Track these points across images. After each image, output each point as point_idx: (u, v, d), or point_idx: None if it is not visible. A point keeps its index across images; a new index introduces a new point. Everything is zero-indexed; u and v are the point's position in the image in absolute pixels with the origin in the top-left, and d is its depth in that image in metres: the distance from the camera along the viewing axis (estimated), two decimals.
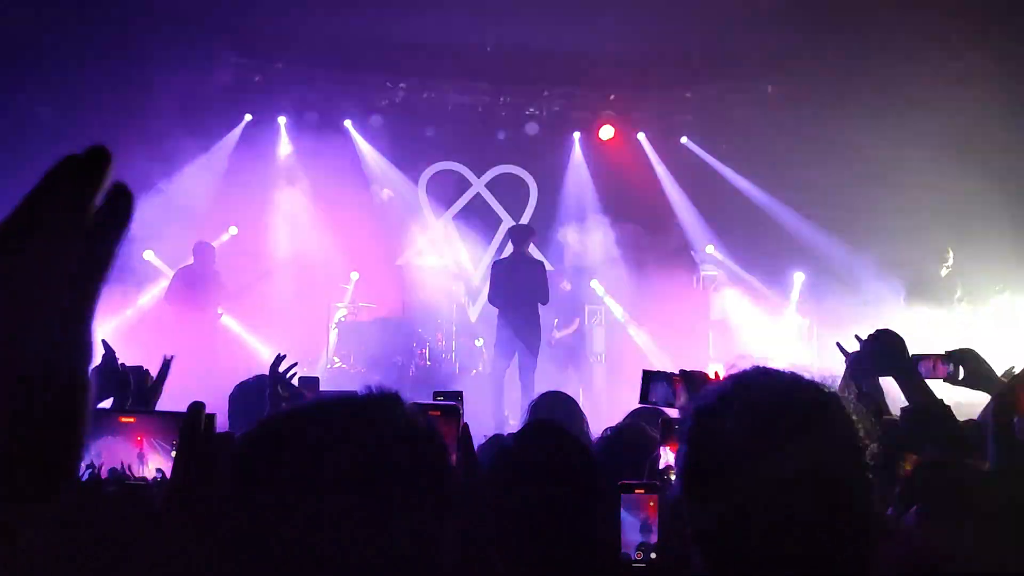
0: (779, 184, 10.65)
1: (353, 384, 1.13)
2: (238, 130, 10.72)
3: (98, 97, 9.29)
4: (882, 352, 2.63)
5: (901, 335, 2.65)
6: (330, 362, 9.93)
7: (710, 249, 11.23)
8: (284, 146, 10.95)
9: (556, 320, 9.65)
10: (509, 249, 8.61)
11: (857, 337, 2.95)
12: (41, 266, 0.63)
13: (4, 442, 0.61)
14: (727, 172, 11.21)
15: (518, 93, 11.27)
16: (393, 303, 10.18)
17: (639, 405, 3.17)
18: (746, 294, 10.82)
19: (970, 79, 8.71)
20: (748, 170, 11.00)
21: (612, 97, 11.30)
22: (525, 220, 11.50)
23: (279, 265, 10.12)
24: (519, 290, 8.10)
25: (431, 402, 2.21)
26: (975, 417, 3.56)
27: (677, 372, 2.62)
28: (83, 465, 1.71)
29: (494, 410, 8.00)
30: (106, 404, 2.36)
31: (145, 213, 9.43)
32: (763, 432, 1.15)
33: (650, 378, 2.68)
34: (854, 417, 1.21)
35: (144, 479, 1.72)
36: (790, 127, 10.05)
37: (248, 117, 10.79)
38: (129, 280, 9.66)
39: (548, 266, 10.91)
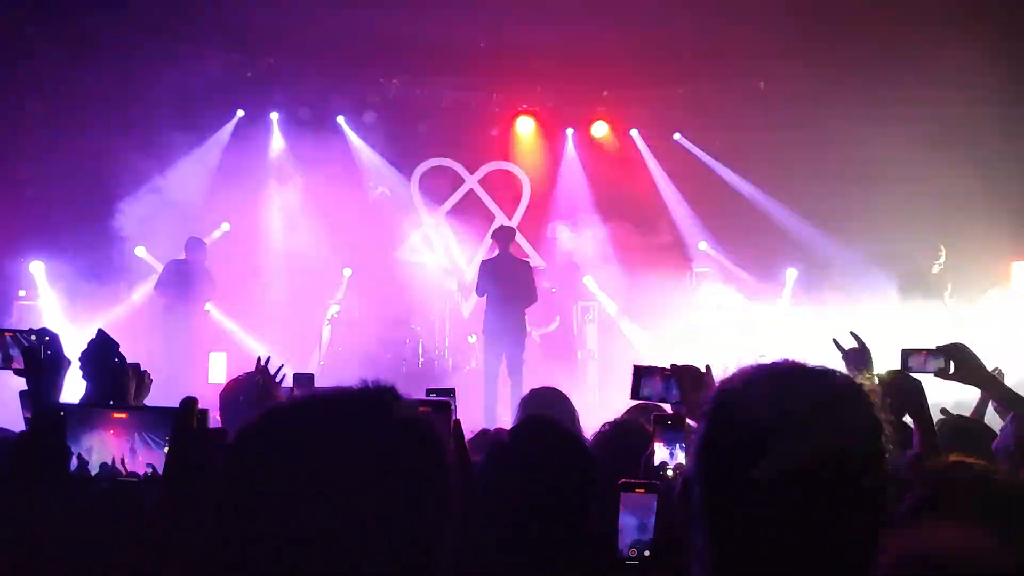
0: (771, 180, 10.67)
1: (347, 381, 1.12)
2: (230, 126, 10.69)
3: (90, 93, 9.26)
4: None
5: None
6: (323, 358, 9.93)
7: (703, 245, 11.24)
8: (276, 142, 10.92)
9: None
10: (496, 250, 8.74)
11: (852, 334, 2.98)
12: None
13: None
14: (720, 168, 11.22)
15: (511, 89, 11.27)
16: (386, 299, 10.17)
17: (632, 401, 3.18)
18: (739, 290, 10.83)
19: (961, 75, 8.73)
20: (741, 166, 11.02)
21: (605, 94, 11.31)
22: (518, 216, 11.50)
23: (272, 261, 10.12)
24: (507, 289, 8.26)
25: (423, 398, 2.21)
26: (968, 414, 3.60)
27: (668, 367, 2.62)
28: (73, 459, 1.71)
29: (486, 406, 8.04)
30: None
31: (137, 209, 9.43)
32: (785, 414, 1.15)
33: (641, 373, 2.68)
34: (880, 414, 1.20)
35: (135, 474, 1.72)
36: (782, 123, 10.07)
37: (240, 113, 10.76)
38: (121, 276, 9.64)
39: (541, 263, 10.96)
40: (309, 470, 1.00)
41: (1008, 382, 3.23)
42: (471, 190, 11.69)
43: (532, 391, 3.79)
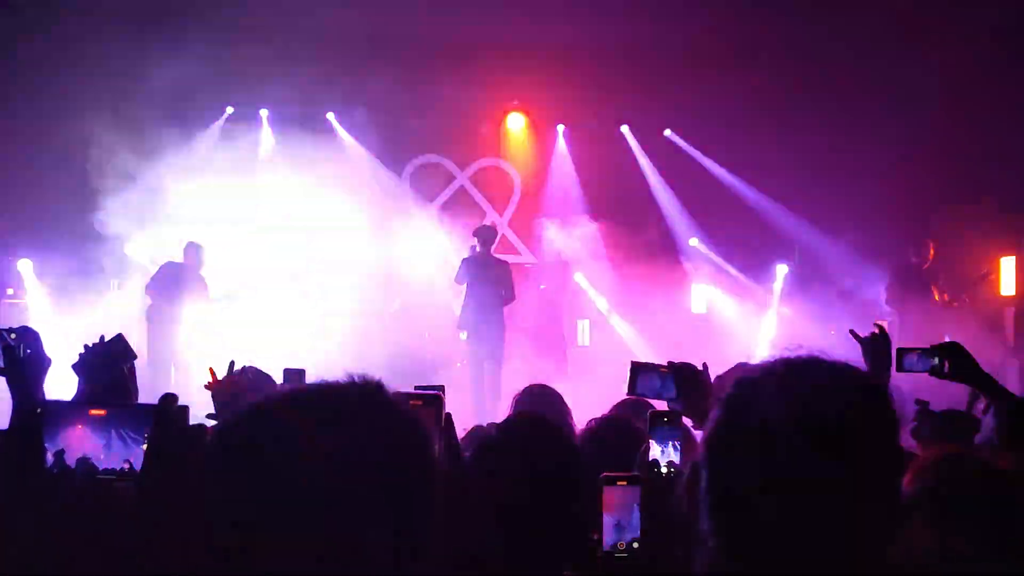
0: (762, 176, 10.69)
1: (336, 377, 1.11)
2: (219, 122, 10.65)
3: (78, 91, 9.21)
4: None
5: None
6: (313, 354, 9.89)
7: (694, 242, 11.26)
8: (266, 138, 10.88)
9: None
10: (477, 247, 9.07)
11: (876, 324, 3.04)
12: None
13: None
14: (710, 165, 11.23)
15: (502, 86, 11.24)
16: (376, 296, 10.14)
17: (621, 398, 3.17)
18: (729, 287, 10.86)
19: (948, 72, 8.79)
20: (731, 162, 11.04)
21: (595, 90, 11.29)
22: (509, 212, 11.50)
23: (261, 258, 10.09)
24: (486, 288, 8.68)
25: (413, 391, 2.20)
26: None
27: (665, 365, 2.62)
28: (50, 455, 1.69)
29: (475, 402, 8.18)
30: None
31: (126, 207, 9.38)
32: (797, 405, 1.16)
33: (638, 370, 2.68)
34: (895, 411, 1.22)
35: (112, 471, 1.70)
36: (773, 119, 10.09)
37: (230, 110, 10.72)
38: (109, 274, 9.60)
39: (531, 259, 10.98)
40: (293, 466, 0.99)
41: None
42: (462, 186, 11.67)
43: (526, 388, 3.83)
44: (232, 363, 3.07)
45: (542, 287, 10.33)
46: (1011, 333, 9.76)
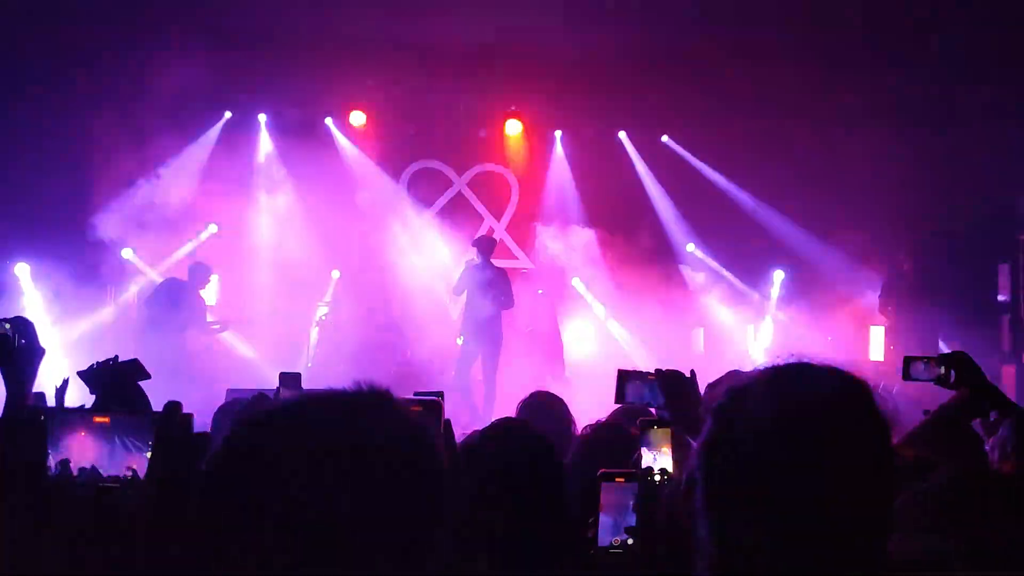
0: (759, 183, 10.71)
1: (335, 383, 1.11)
2: (217, 128, 10.65)
3: (76, 95, 9.21)
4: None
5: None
6: (311, 360, 9.89)
7: (691, 248, 11.27)
8: (264, 144, 10.88)
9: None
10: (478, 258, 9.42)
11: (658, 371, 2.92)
12: None
13: None
14: (708, 171, 11.24)
15: (499, 91, 11.25)
16: (374, 302, 10.15)
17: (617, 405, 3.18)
18: (727, 292, 10.87)
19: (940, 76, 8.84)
20: (728, 169, 11.05)
21: (593, 95, 11.30)
22: (507, 218, 11.51)
23: (259, 263, 10.09)
24: (485, 295, 8.97)
25: (414, 398, 2.23)
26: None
27: (652, 372, 2.63)
28: (53, 463, 1.70)
29: (469, 407, 8.26)
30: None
31: (124, 211, 9.38)
32: (788, 412, 1.17)
33: (626, 378, 2.68)
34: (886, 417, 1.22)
35: (116, 478, 1.71)
36: (770, 126, 10.11)
37: (228, 115, 10.71)
38: (107, 279, 9.59)
39: (528, 265, 11.00)
40: (302, 475, 0.99)
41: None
42: (459, 192, 11.67)
43: (531, 395, 3.90)
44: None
45: (540, 292, 10.35)
46: (1007, 340, 9.79)
